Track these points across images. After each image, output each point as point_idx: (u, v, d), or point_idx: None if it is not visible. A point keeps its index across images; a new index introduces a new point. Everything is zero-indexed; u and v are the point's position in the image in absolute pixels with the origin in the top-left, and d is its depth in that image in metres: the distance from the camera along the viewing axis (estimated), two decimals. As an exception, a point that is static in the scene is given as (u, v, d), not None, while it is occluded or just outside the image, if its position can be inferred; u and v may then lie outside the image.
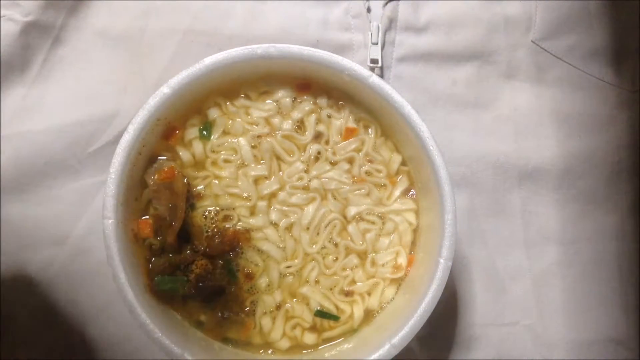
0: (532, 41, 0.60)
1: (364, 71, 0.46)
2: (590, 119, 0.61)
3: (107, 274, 0.54)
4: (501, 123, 0.60)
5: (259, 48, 0.46)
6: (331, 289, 0.50)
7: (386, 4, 0.58)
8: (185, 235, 0.48)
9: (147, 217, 0.48)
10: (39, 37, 0.55)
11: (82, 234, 0.55)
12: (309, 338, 0.50)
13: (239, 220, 0.49)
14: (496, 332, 0.59)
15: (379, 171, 0.51)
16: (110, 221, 0.43)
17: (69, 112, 0.55)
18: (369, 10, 0.58)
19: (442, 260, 0.46)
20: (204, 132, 0.49)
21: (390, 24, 0.58)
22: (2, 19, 0.54)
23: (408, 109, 0.46)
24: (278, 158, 0.50)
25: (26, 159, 0.54)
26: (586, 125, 0.61)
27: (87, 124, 0.55)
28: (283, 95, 0.50)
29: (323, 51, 0.46)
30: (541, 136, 0.60)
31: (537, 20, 0.60)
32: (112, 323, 0.55)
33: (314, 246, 0.50)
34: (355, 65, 0.46)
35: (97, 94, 0.56)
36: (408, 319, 0.45)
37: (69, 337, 0.55)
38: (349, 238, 0.51)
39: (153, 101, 0.45)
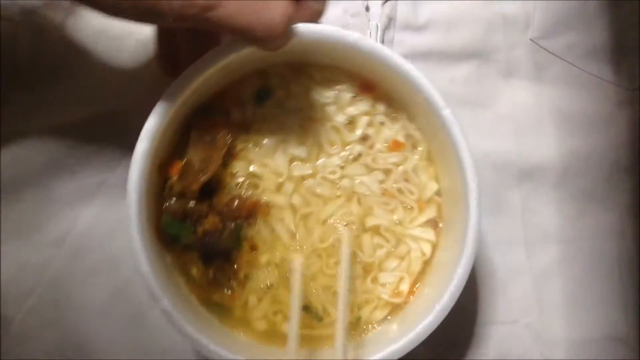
0: (530, 39, 0.60)
1: (440, 101, 0.45)
2: (590, 117, 0.60)
3: (107, 274, 0.54)
4: (500, 122, 0.60)
5: (351, 36, 0.45)
6: (325, 289, 0.49)
7: (385, 2, 0.58)
8: (209, 189, 0.48)
9: (180, 160, 0.48)
10: (39, 37, 0.55)
11: (82, 234, 0.54)
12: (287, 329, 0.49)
13: (264, 192, 0.49)
14: (496, 331, 0.58)
15: (411, 192, 0.50)
16: (143, 144, 0.42)
17: (68, 112, 0.55)
18: (367, 9, 0.58)
19: (437, 307, 0.45)
20: (259, 97, 0.50)
21: (389, 23, 0.58)
22: (2, 19, 0.54)
23: (467, 155, 0.45)
24: (319, 146, 0.50)
25: (26, 159, 0.54)
26: (585, 123, 0.60)
27: (87, 124, 0.55)
28: (345, 89, 0.50)
29: (414, 68, 0.45)
30: (540, 134, 0.60)
31: (536, 18, 0.60)
32: (112, 323, 0.54)
33: (323, 242, 0.49)
34: (435, 93, 0.45)
35: (96, 94, 0.55)
36: (390, 345, 0.45)
37: (69, 338, 0.54)
38: (359, 246, 0.50)
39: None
